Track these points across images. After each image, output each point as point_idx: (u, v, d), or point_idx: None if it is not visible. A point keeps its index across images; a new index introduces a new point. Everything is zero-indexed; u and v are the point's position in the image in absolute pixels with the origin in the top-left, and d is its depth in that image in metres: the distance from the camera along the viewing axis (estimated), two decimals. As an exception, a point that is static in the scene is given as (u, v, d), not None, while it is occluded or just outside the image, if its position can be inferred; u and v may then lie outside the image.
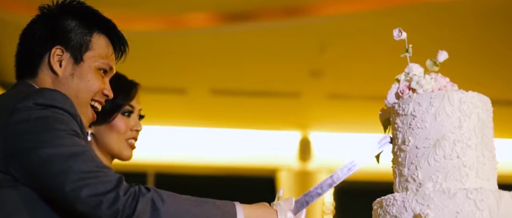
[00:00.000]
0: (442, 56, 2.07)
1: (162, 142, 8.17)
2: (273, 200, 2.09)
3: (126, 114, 2.57)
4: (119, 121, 2.55)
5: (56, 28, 2.03)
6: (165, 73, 7.08)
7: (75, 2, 2.08)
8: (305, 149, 8.48)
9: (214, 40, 6.67)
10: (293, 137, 8.53)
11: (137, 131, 2.60)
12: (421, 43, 6.58)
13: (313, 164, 8.62)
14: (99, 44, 2.06)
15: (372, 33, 6.37)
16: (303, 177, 8.65)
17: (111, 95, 2.10)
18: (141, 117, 2.65)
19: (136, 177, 1.95)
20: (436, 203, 1.78)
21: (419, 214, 1.76)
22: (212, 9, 6.48)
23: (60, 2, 2.08)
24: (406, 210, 1.81)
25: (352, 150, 8.66)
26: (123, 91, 2.53)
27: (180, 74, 7.20)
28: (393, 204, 1.84)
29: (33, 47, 2.04)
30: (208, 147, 8.63)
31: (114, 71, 2.12)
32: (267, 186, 8.79)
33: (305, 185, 8.66)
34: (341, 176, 2.06)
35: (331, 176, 2.08)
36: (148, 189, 1.85)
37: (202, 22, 6.62)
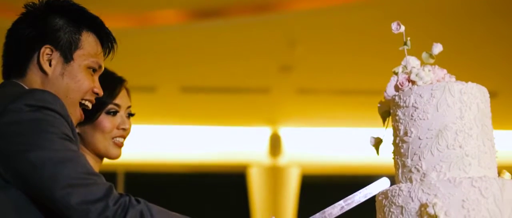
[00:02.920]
0: (437, 48, 2.10)
1: (132, 141, 8.12)
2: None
3: (111, 113, 2.49)
4: (104, 120, 2.48)
5: (44, 27, 2.01)
6: (134, 71, 7.00)
7: (61, 0, 2.05)
8: (275, 145, 8.51)
9: (183, 37, 6.65)
10: (263, 132, 8.56)
11: (124, 129, 2.52)
12: (386, 36, 6.63)
13: (283, 159, 8.66)
14: (89, 42, 2.04)
15: (341, 28, 6.42)
16: (274, 173, 8.69)
17: (101, 93, 2.09)
18: (130, 114, 2.57)
19: (106, 176, 1.95)
20: (442, 192, 1.82)
21: (426, 204, 1.80)
22: (180, 6, 6.46)
23: (45, 0, 2.05)
24: (413, 200, 1.84)
25: (322, 144, 8.74)
26: (106, 89, 2.39)
27: (150, 73, 7.17)
28: (398, 195, 1.88)
29: (21, 47, 2.01)
30: (178, 144, 8.61)
31: (103, 69, 2.10)
32: (238, 183, 8.81)
33: (276, 181, 8.71)
34: (334, 213, 2.09)
35: (323, 212, 2.10)
36: (138, 201, 1.84)
37: (171, 19, 6.60)
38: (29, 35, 2.00)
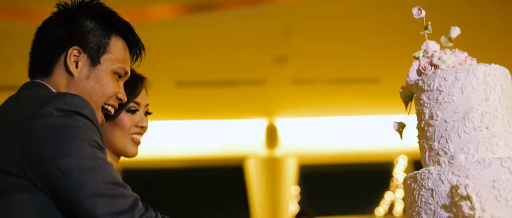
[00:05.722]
0: (455, 32, 2.12)
1: (128, 138, 8.11)
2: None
3: (131, 111, 2.49)
4: (124, 117, 2.47)
5: (74, 29, 1.99)
6: (128, 67, 7.00)
7: (94, 2, 2.04)
8: (272, 136, 8.54)
9: (177, 32, 6.65)
10: (259, 124, 8.57)
11: (142, 127, 2.52)
12: (380, 24, 6.60)
13: (280, 150, 8.68)
14: (117, 47, 2.03)
15: (334, 17, 6.44)
16: (271, 164, 8.72)
17: (125, 99, 2.07)
18: (148, 113, 2.57)
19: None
20: (473, 174, 1.84)
21: (457, 185, 1.81)
22: (173, 0, 6.45)
23: (77, 1, 2.03)
24: (443, 183, 1.86)
25: (318, 133, 8.76)
26: (128, 87, 2.34)
27: (144, 68, 7.14)
28: (428, 178, 1.89)
29: (49, 46, 2.00)
30: (175, 139, 8.61)
31: (129, 75, 2.09)
32: (236, 175, 8.83)
33: (273, 172, 8.73)
34: None
35: None
36: None
37: (164, 14, 6.58)
38: (58, 35, 1.99)
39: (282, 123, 8.59)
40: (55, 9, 2.06)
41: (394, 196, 9.70)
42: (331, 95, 7.87)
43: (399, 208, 9.76)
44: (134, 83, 2.49)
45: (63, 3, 2.04)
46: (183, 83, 7.52)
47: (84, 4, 2.03)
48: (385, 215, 9.86)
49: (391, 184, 9.49)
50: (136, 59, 2.11)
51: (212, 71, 7.31)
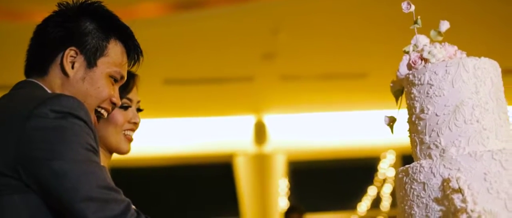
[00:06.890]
0: (444, 26, 2.13)
1: (117, 136, 8.09)
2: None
3: (124, 107, 2.48)
4: (117, 114, 2.46)
5: (73, 29, 1.98)
6: (116, 66, 6.98)
7: (95, 4, 2.02)
8: (260, 133, 8.55)
9: (165, 30, 6.63)
10: (247, 121, 8.57)
11: (135, 123, 2.53)
12: (368, 19, 6.59)
13: (269, 147, 8.69)
14: (115, 51, 2.02)
15: (322, 13, 6.44)
16: (260, 160, 8.73)
17: (119, 103, 2.07)
18: (139, 110, 2.57)
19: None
20: (464, 167, 1.85)
21: (448, 178, 1.82)
22: (160, -2, 6.45)
23: (79, 2, 2.02)
24: (435, 176, 1.87)
25: (306, 130, 8.78)
26: None
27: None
28: (420, 171, 1.90)
29: (47, 45, 1.99)
30: (163, 137, 8.59)
31: (125, 80, 2.08)
32: (225, 172, 8.83)
33: (262, 169, 8.74)
34: None
35: None
36: None
37: (151, 12, 6.57)
38: (57, 35, 1.98)
39: (271, 120, 8.60)
40: (50, 10, 2.05)
41: (382, 191, 9.73)
42: (319, 92, 7.88)
43: (386, 203, 9.79)
44: (126, 80, 2.51)
45: (64, 3, 2.02)
46: (171, 81, 7.51)
47: (85, 6, 2.02)
48: (369, 210, 9.89)
49: (375, 179, 9.51)
50: (134, 64, 2.10)
51: (200, 69, 7.30)
